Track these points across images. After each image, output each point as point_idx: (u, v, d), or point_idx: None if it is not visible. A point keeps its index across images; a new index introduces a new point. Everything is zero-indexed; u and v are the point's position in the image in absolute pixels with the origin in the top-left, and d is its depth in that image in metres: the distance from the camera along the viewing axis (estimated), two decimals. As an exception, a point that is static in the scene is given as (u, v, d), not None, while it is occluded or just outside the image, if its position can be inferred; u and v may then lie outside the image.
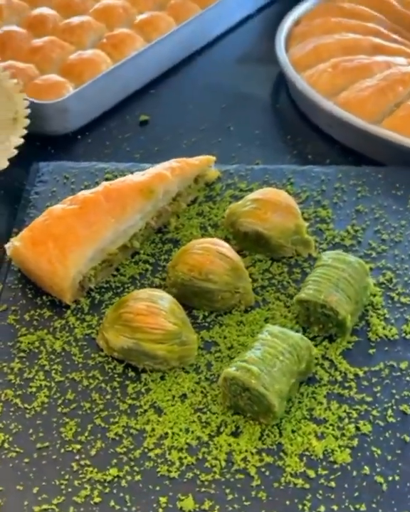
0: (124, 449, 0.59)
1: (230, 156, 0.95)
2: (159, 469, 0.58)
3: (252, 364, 0.59)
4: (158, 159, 0.92)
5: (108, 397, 0.63)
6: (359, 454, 0.59)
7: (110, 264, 0.74)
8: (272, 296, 0.72)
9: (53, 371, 0.65)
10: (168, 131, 1.00)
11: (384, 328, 0.68)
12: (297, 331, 0.68)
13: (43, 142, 0.96)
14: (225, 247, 0.70)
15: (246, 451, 0.59)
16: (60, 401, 0.63)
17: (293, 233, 0.74)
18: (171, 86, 1.10)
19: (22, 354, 0.67)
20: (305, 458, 0.59)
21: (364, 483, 0.57)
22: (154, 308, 0.64)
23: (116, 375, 0.65)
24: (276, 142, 0.99)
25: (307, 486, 0.57)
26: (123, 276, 0.75)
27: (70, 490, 0.57)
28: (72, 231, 0.69)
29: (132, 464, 0.58)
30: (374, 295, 0.71)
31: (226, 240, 0.78)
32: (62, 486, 0.57)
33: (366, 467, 0.58)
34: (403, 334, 0.68)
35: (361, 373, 0.65)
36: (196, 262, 0.69)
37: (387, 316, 0.69)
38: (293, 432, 0.60)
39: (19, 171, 0.89)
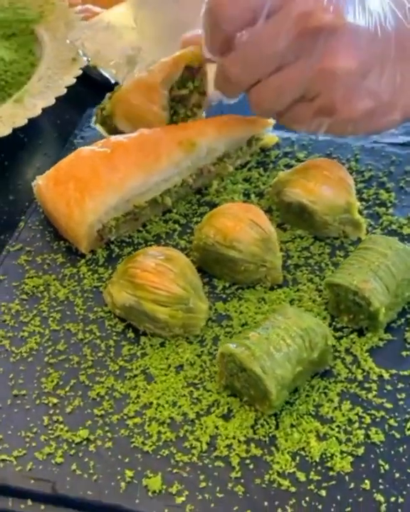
0: (102, 412, 0.54)
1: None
2: (133, 440, 0.52)
3: (254, 343, 0.52)
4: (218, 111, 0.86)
5: (100, 354, 0.58)
6: (363, 465, 0.51)
7: (136, 217, 0.68)
8: (305, 276, 0.64)
9: (51, 319, 0.61)
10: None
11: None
12: (324, 319, 0.60)
13: (104, 89, 0.92)
14: (260, 216, 0.63)
15: (233, 438, 0.52)
16: (49, 350, 0.58)
17: (343, 211, 0.66)
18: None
19: (24, 296, 0.63)
20: (298, 457, 0.51)
21: (361, 499, 0.49)
22: (163, 267, 0.58)
23: (114, 334, 0.60)
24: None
25: (293, 489, 0.49)
26: (148, 233, 0.69)
27: (34, 444, 0.52)
28: (96, 175, 0.64)
29: (107, 429, 0.53)
30: (422, 292, 0.62)
31: (268, 210, 0.71)
32: (27, 439, 0.52)
33: (367, 481, 0.50)
34: None
35: (386, 376, 0.56)
36: (223, 226, 0.62)
37: (432, 317, 0.60)
38: (292, 426, 0.53)
39: (75, 115, 0.86)
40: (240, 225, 0.62)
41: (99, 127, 0.76)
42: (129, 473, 0.50)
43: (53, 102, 0.76)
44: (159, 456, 0.51)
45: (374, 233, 0.68)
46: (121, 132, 0.73)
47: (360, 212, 0.70)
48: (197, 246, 0.64)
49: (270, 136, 0.77)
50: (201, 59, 0.70)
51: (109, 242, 0.67)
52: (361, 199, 0.72)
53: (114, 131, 0.74)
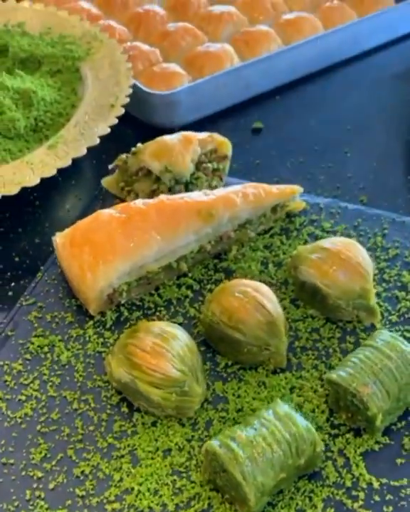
0: (84, 493, 0.54)
1: (334, 185, 0.85)
2: (109, 526, 0.52)
3: (239, 445, 0.51)
4: (254, 174, 0.85)
5: (91, 428, 0.58)
6: None
7: (149, 282, 0.68)
8: (310, 362, 0.63)
9: (50, 383, 0.62)
10: (277, 145, 0.92)
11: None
12: (322, 412, 0.59)
13: (149, 133, 0.92)
14: (268, 298, 0.62)
15: (209, 536, 0.52)
16: (43, 418, 0.59)
17: (357, 296, 0.64)
18: (300, 96, 1.00)
19: (28, 356, 0.64)
20: None
21: None
22: (162, 348, 0.57)
23: (108, 407, 0.60)
24: (392, 180, 0.87)
25: None
26: (160, 297, 0.69)
27: (13, 518, 0.53)
28: (111, 240, 0.64)
29: (85, 511, 0.53)
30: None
31: (284, 283, 0.69)
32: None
33: None
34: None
35: (376, 484, 0.54)
36: (230, 306, 0.61)
37: (435, 425, 0.58)
38: (271, 531, 0.52)
39: (112, 155, 0.86)
40: (247, 306, 0.60)
41: (104, 182, 0.77)
42: None
43: (84, 152, 0.77)
44: (131, 547, 0.51)
45: (389, 320, 0.66)
46: (132, 185, 0.74)
47: (378, 295, 0.68)
48: (204, 321, 0.63)
49: (298, 202, 0.76)
50: (229, 149, 0.76)
51: (120, 304, 0.68)
52: (382, 280, 0.69)
53: (126, 178, 0.75)
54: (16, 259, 0.76)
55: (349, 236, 0.74)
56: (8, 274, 0.75)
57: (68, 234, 0.67)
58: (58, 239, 0.67)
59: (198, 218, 0.67)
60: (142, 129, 0.91)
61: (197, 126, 0.92)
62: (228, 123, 0.95)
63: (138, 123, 0.92)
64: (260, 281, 0.69)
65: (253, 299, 0.61)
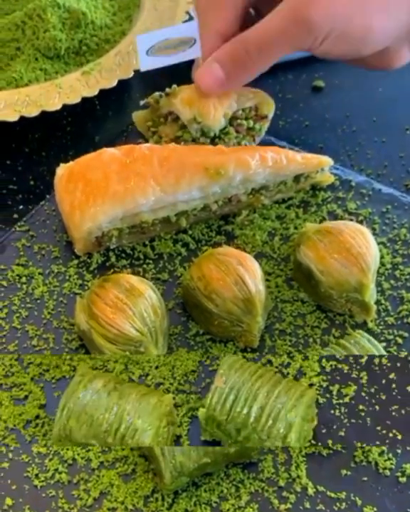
0: (15, 430, 0.54)
1: (380, 164, 0.77)
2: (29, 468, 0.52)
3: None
4: (298, 136, 0.79)
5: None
6: None
7: (143, 231, 0.65)
8: (285, 348, 0.59)
9: (17, 314, 0.60)
10: (333, 109, 0.84)
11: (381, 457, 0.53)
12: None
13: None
14: (251, 273, 0.57)
15: (121, 502, 0.50)
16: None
17: (352, 290, 0.58)
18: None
19: (4, 283, 0.63)
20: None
21: None
22: (124, 304, 0.55)
23: (66, 350, 0.58)
24: None
25: None
26: (152, 249, 0.66)
27: None
28: (106, 182, 0.61)
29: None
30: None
31: (285, 259, 0.65)
32: None
33: None
34: (400, 476, 0.52)
35: (311, 490, 0.51)
36: (208, 274, 0.57)
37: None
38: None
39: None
40: (225, 278, 0.57)
41: (134, 116, 0.72)
42: None
43: (113, 84, 0.73)
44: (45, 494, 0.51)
45: (385, 321, 0.60)
46: (162, 122, 0.70)
47: (382, 292, 0.62)
48: (182, 284, 0.60)
49: (326, 175, 0.69)
50: (271, 110, 0.70)
51: (109, 248, 0.65)
52: (392, 276, 0.63)
53: (155, 119, 0.71)
54: (31, 182, 0.75)
55: (373, 222, 0.67)
56: (20, 196, 0.74)
57: (68, 167, 0.64)
58: (59, 170, 0.65)
59: (205, 174, 0.62)
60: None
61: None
62: (288, 76, 0.88)
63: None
64: (261, 253, 0.65)
65: (235, 271, 0.57)
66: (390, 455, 0.52)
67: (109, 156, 0.63)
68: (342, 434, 0.52)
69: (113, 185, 0.61)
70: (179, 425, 0.52)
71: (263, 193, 0.67)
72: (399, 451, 0.53)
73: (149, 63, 0.67)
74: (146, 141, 0.72)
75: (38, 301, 0.62)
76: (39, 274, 0.63)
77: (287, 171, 0.66)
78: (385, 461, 0.52)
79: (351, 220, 0.67)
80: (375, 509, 0.50)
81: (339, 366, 0.55)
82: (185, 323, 0.60)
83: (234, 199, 0.66)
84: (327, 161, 0.68)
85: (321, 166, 0.68)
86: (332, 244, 0.59)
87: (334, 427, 0.52)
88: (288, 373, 0.54)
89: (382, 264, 0.63)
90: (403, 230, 0.67)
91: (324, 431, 0.52)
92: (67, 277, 0.63)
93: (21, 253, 0.65)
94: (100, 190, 0.61)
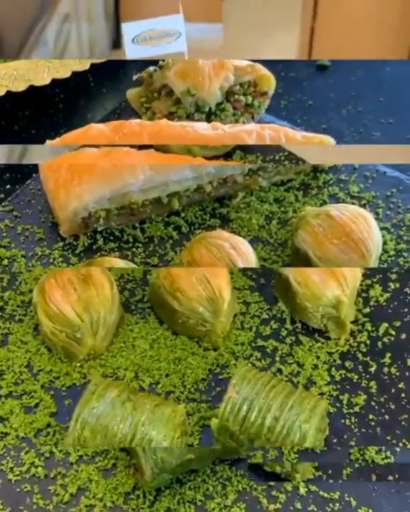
0: None
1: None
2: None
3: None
4: (301, 116, 0.75)
5: None
6: None
7: (132, 213, 0.61)
8: (248, 352, 0.55)
9: None
10: (339, 88, 0.80)
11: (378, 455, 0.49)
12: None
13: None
14: (217, 274, 0.54)
15: (100, 499, 0.47)
16: None
17: (329, 304, 0.54)
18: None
19: None
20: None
21: None
22: (73, 288, 0.52)
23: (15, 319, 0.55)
24: None
25: None
26: (142, 232, 0.62)
27: None
28: (93, 158, 0.58)
29: None
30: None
31: (283, 244, 0.61)
32: None
33: None
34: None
35: (302, 490, 0.48)
36: (173, 272, 0.54)
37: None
38: (168, 510, 0.47)
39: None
40: (191, 277, 0.53)
41: (128, 94, 0.69)
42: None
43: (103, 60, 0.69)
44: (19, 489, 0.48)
45: (362, 344, 0.55)
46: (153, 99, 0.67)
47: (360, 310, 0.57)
48: (150, 283, 0.57)
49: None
50: (271, 86, 0.67)
51: (97, 230, 0.62)
52: (396, 264, 0.60)
53: (148, 94, 0.68)
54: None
55: (376, 206, 0.64)
56: (7, 175, 0.70)
57: (56, 142, 0.61)
58: (47, 143, 0.62)
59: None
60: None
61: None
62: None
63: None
64: (257, 238, 0.61)
65: (201, 271, 0.54)
66: (388, 453, 0.49)
67: (97, 132, 0.60)
68: (353, 443, 0.49)
69: (101, 164, 0.57)
70: (190, 434, 0.49)
71: (260, 174, 0.63)
72: (398, 449, 0.49)
73: (134, 51, 0.66)
74: (140, 118, 0.68)
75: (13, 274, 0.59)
76: (21, 256, 0.60)
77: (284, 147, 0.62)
78: (383, 459, 0.49)
79: (354, 203, 0.63)
80: (370, 511, 0.47)
81: (349, 375, 0.53)
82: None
83: (230, 180, 0.62)
84: (328, 140, 0.64)
85: (322, 145, 0.64)
86: (332, 229, 0.55)
87: (345, 436, 0.50)
88: (298, 382, 0.52)
89: (385, 250, 0.60)
90: (409, 215, 0.63)
91: (335, 440, 0.49)
92: (51, 260, 0.60)
93: (4, 234, 0.62)
94: (86, 168, 0.57)
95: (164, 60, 0.67)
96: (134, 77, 0.69)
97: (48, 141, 0.62)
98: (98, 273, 0.54)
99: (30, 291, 0.57)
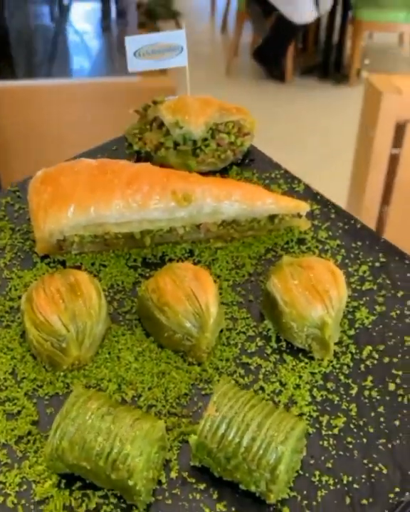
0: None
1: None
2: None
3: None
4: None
5: None
6: None
7: (106, 243, 0.63)
8: (232, 368, 0.55)
9: None
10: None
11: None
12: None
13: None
14: (207, 288, 0.55)
15: None
16: None
17: (313, 326, 0.55)
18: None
19: None
20: None
21: None
22: (60, 298, 0.53)
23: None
24: None
25: None
26: (118, 256, 0.63)
27: None
28: (74, 188, 0.60)
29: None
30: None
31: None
32: None
33: None
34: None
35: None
36: (163, 286, 0.55)
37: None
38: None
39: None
40: (178, 292, 0.54)
41: (126, 129, 0.74)
42: None
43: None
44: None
45: (343, 362, 0.56)
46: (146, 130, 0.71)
47: (345, 332, 0.58)
48: (138, 295, 0.58)
49: (303, 221, 0.66)
50: (253, 128, 0.71)
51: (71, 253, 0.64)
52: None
53: (141, 126, 0.72)
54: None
55: (337, 254, 0.65)
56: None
57: (48, 170, 0.64)
58: (38, 173, 0.64)
59: (172, 197, 0.61)
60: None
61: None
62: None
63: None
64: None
65: (188, 286, 0.55)
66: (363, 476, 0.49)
67: (85, 165, 0.62)
68: (330, 465, 0.50)
69: (80, 193, 0.60)
70: (169, 449, 0.50)
71: (234, 227, 0.64)
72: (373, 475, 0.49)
73: (136, 65, 0.69)
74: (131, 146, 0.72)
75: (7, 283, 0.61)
76: (9, 228, 0.65)
77: (259, 209, 0.63)
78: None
79: (318, 247, 0.65)
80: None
81: (330, 397, 0.53)
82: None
83: (203, 227, 0.64)
84: (304, 205, 0.65)
85: (297, 210, 0.65)
86: (300, 278, 0.56)
87: (322, 458, 0.50)
88: (280, 401, 0.52)
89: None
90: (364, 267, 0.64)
91: (312, 462, 0.50)
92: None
93: (2, 208, 0.67)
94: (67, 195, 0.60)
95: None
96: (130, 111, 0.73)
97: (43, 169, 0.65)
98: (87, 283, 0.54)
99: (20, 297, 0.58)
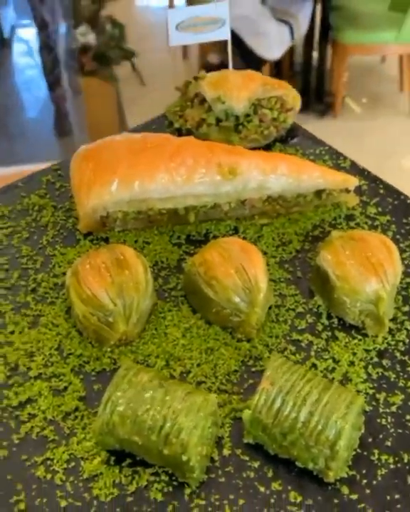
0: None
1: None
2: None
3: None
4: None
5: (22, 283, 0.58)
6: None
7: (150, 220, 0.61)
8: (282, 345, 0.53)
9: (18, 235, 0.62)
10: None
11: None
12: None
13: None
14: (256, 263, 0.53)
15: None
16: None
17: (368, 300, 0.53)
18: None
19: (17, 207, 0.65)
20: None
21: None
22: (107, 271, 0.51)
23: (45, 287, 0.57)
24: None
25: None
26: (162, 234, 0.62)
27: None
28: (116, 163, 0.59)
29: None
30: None
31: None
32: None
33: None
34: None
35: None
36: (210, 259, 0.53)
37: None
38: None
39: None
40: (226, 265, 0.52)
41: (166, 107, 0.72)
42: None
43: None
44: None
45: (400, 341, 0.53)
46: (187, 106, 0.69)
47: (399, 308, 0.56)
48: (185, 269, 0.56)
49: (351, 196, 0.64)
50: (297, 103, 0.69)
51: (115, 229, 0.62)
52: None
53: (183, 103, 0.71)
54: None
55: (388, 230, 0.63)
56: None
57: (89, 147, 0.63)
58: (80, 149, 0.63)
59: (217, 170, 0.59)
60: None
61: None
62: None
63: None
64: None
65: (238, 260, 0.53)
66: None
67: (127, 139, 0.61)
68: (389, 443, 0.48)
69: (123, 168, 0.58)
70: (221, 426, 0.48)
71: (280, 203, 0.62)
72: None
73: (177, 38, 0.67)
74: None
75: (42, 229, 0.62)
76: (52, 206, 0.64)
77: (306, 183, 0.61)
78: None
79: (367, 223, 0.63)
80: None
81: (386, 374, 0.51)
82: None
83: (248, 203, 0.62)
84: (352, 180, 0.62)
85: (345, 186, 0.62)
86: (353, 251, 0.54)
87: (381, 436, 0.48)
88: (334, 378, 0.50)
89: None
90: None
91: (370, 440, 0.48)
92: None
93: (44, 186, 0.66)
94: (109, 171, 0.58)
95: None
96: (175, 88, 0.72)
97: (82, 146, 0.64)
98: (133, 258, 0.53)
99: (64, 274, 0.57)
